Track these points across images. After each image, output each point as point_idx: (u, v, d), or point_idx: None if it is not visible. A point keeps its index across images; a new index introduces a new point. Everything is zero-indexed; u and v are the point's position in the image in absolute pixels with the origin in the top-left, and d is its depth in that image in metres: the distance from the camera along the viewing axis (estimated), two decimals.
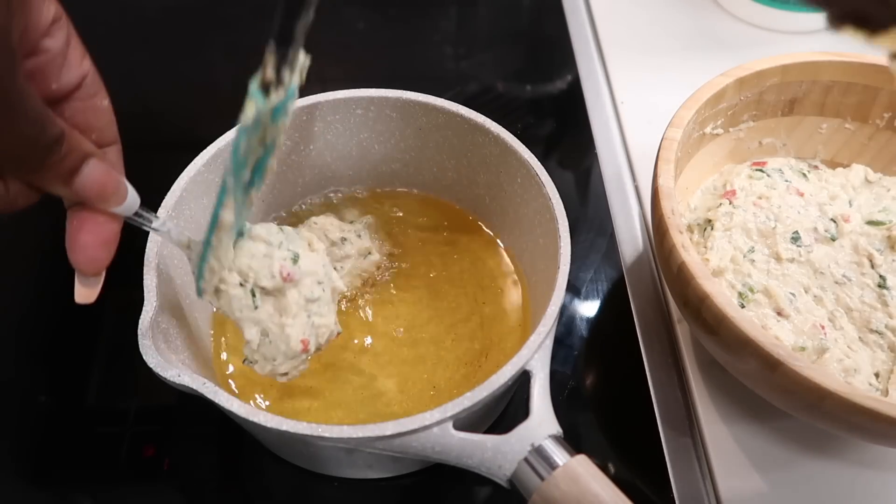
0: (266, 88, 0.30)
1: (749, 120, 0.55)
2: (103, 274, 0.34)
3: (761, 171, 0.54)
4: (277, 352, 0.39)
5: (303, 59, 0.32)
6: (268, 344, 0.39)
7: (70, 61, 0.31)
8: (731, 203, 0.52)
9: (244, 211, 0.36)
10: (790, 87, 0.53)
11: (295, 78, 0.32)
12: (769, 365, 0.37)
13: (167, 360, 0.37)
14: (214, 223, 0.35)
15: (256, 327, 0.39)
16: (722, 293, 0.39)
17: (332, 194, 0.57)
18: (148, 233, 0.40)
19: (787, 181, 0.53)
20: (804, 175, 0.54)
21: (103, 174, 0.31)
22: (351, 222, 0.54)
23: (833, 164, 0.57)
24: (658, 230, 0.44)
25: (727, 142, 0.56)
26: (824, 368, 0.43)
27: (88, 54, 0.32)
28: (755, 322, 0.39)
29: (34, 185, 0.30)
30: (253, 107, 0.31)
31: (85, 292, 0.34)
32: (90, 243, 0.32)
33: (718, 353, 0.44)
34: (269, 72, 0.30)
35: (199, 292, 0.38)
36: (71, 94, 0.31)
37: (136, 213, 0.34)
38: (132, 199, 0.34)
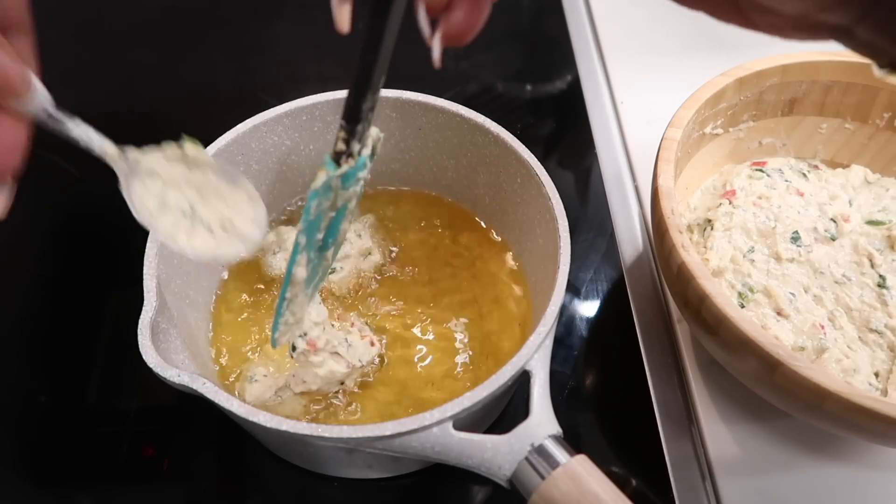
0: (337, 159, 0.33)
1: (749, 120, 0.55)
2: (13, 186, 0.30)
3: (761, 171, 0.54)
4: (290, 412, 0.44)
5: (375, 134, 0.35)
6: (277, 404, 0.44)
7: None
8: (731, 203, 0.52)
9: (320, 271, 0.39)
10: (790, 87, 0.53)
11: (365, 150, 0.34)
12: (769, 365, 0.37)
13: (167, 360, 0.37)
14: (288, 279, 0.37)
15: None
16: (722, 293, 0.39)
17: None
18: (148, 233, 0.40)
19: (787, 181, 0.53)
20: (804, 175, 0.54)
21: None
22: (351, 222, 0.53)
23: (833, 164, 0.57)
24: (658, 230, 0.44)
25: (727, 142, 0.56)
26: (824, 368, 0.43)
27: None
28: (755, 322, 0.39)
29: None
30: (324, 174, 0.33)
31: None
32: None
33: (718, 353, 0.44)
34: (340, 144, 0.33)
35: (274, 343, 0.39)
36: None
37: (48, 115, 0.31)
38: (41, 95, 0.30)
